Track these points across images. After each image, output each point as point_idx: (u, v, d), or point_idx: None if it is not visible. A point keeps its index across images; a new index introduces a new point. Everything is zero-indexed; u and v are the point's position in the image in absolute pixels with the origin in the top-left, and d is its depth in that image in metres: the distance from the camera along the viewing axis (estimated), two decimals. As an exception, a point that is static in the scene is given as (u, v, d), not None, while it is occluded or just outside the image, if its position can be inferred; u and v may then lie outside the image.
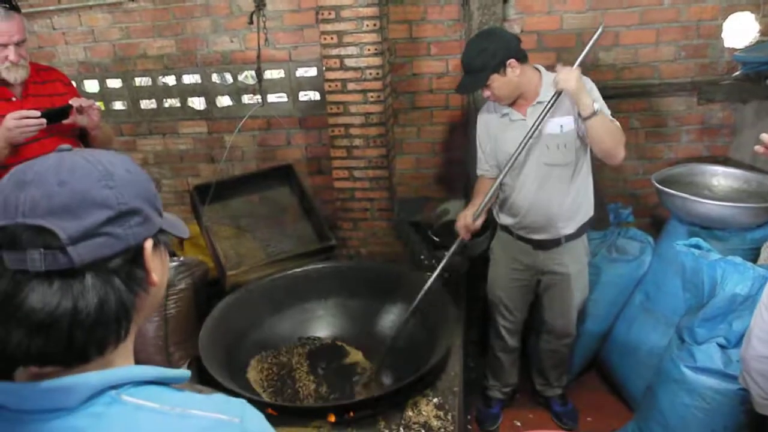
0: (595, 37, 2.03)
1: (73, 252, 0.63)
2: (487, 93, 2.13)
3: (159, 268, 0.75)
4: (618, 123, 2.10)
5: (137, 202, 0.70)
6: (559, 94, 2.02)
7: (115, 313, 0.67)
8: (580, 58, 2.03)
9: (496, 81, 2.08)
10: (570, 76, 1.97)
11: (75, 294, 0.64)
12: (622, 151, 2.08)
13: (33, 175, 0.66)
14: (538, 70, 2.20)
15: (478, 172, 2.39)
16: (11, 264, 0.63)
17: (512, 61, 2.07)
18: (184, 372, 0.75)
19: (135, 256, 0.70)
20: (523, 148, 2.09)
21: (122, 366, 0.71)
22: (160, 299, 0.80)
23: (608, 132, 2.03)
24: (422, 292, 2.10)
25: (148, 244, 0.72)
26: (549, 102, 2.04)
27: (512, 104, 2.20)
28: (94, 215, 0.66)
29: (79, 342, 0.65)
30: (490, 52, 2.05)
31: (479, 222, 2.21)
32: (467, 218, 2.21)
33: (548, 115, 2.05)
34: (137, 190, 0.71)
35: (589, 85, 2.10)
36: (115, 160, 0.72)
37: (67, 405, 0.65)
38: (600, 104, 2.07)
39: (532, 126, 2.07)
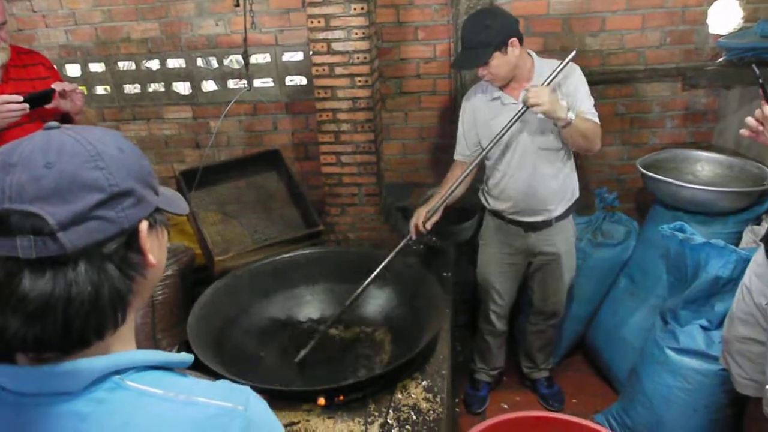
0: (568, 59, 2.02)
1: (64, 238, 0.61)
2: (483, 72, 2.10)
3: (156, 248, 0.72)
4: (596, 119, 2.13)
5: (130, 182, 0.68)
6: (526, 108, 2.00)
7: (110, 299, 0.65)
8: (550, 78, 2.01)
9: (497, 59, 2.05)
10: (542, 99, 1.94)
11: (68, 281, 0.62)
12: (598, 145, 2.16)
13: (18, 157, 0.63)
14: (530, 55, 2.19)
15: (456, 156, 2.38)
16: (1, 250, 0.61)
17: (514, 40, 2.06)
18: (187, 356, 0.74)
19: (129, 239, 0.68)
20: (501, 136, 2.09)
21: (123, 350, 0.70)
22: (159, 278, 0.78)
23: (583, 135, 2.08)
24: (362, 287, 2.12)
25: (144, 225, 0.69)
26: (515, 115, 2.04)
27: (504, 87, 2.19)
28: (84, 199, 0.63)
29: (76, 329, 0.63)
30: (494, 29, 2.02)
31: (432, 221, 2.19)
32: (419, 217, 2.19)
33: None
34: (129, 170, 0.68)
35: (576, 81, 2.12)
36: (105, 137, 0.69)
37: (70, 389, 0.64)
38: (582, 105, 2.10)
39: (507, 125, 2.06)
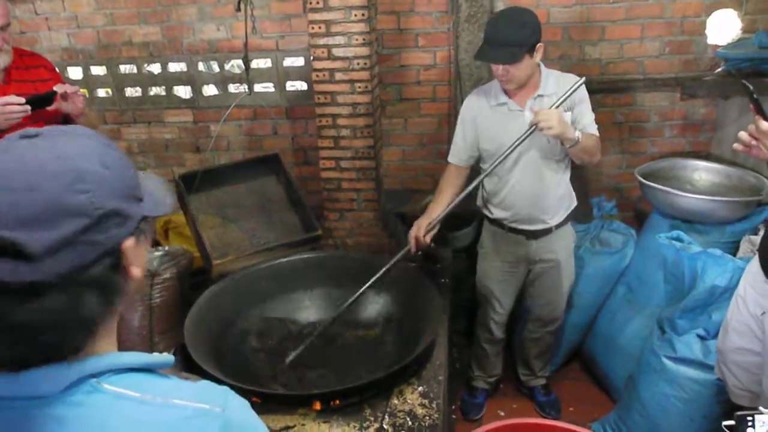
0: (577, 85, 2.00)
1: (45, 265, 0.59)
2: (501, 72, 2.04)
3: (140, 257, 0.71)
4: (596, 131, 2.14)
5: (115, 201, 0.65)
6: (534, 128, 1.97)
7: (85, 321, 0.65)
8: (558, 102, 1.99)
9: (525, 61, 2.00)
10: (552, 122, 1.91)
11: (44, 307, 0.60)
12: (598, 157, 2.18)
13: None
14: (539, 64, 2.16)
15: (451, 159, 2.33)
16: None
17: (542, 45, 2.02)
18: (168, 357, 0.73)
19: (114, 260, 0.66)
20: (506, 155, 2.06)
21: (102, 353, 0.69)
22: (142, 281, 0.78)
23: (586, 152, 2.10)
24: (355, 296, 2.12)
25: (129, 242, 0.68)
26: (524, 134, 2.01)
27: (510, 93, 2.15)
28: (68, 225, 0.61)
29: (49, 348, 0.63)
30: (530, 29, 1.96)
31: (430, 236, 2.17)
32: (420, 229, 2.16)
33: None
34: (113, 189, 0.66)
35: (583, 101, 2.13)
36: (88, 151, 0.66)
37: (47, 393, 0.63)
38: (584, 120, 2.12)
39: (512, 145, 2.03)
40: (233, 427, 0.69)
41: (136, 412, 0.65)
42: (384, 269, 2.12)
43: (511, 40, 1.96)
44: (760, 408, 1.21)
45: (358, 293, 2.12)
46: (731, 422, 1.21)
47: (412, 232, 2.18)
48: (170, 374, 0.74)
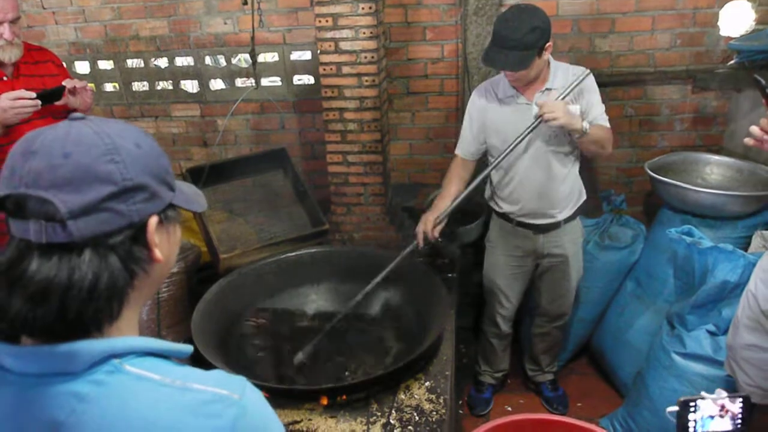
0: (582, 77, 2.00)
1: (73, 226, 0.63)
2: (510, 73, 2.03)
3: (165, 244, 0.74)
4: (607, 123, 2.12)
5: (144, 177, 0.69)
6: (540, 120, 1.96)
7: (107, 289, 0.66)
8: (564, 93, 1.98)
9: (534, 63, 1.98)
10: (557, 113, 1.91)
11: (71, 268, 0.64)
12: (609, 149, 2.16)
13: (39, 145, 0.66)
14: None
15: (458, 151, 2.32)
16: (16, 232, 0.65)
17: (550, 44, 2.00)
18: (186, 347, 0.75)
19: (137, 233, 0.69)
20: (512, 148, 2.05)
21: (126, 336, 0.71)
22: (166, 274, 0.79)
23: (595, 143, 2.08)
24: (366, 290, 2.11)
25: (153, 220, 0.70)
26: (530, 126, 2.00)
27: (517, 87, 2.14)
28: (96, 190, 0.65)
29: (72, 314, 0.65)
30: (539, 31, 1.94)
31: (438, 230, 2.15)
32: (428, 224, 2.15)
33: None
34: (145, 165, 0.70)
35: (591, 92, 2.11)
36: (126, 132, 0.71)
37: (70, 370, 0.65)
38: (594, 112, 2.09)
39: (519, 137, 2.03)
40: (249, 415, 0.70)
41: (155, 393, 0.67)
42: (391, 265, 2.12)
43: (520, 45, 1.93)
44: (702, 393, 1.23)
45: (365, 290, 2.11)
46: (675, 408, 1.25)
47: (419, 227, 2.17)
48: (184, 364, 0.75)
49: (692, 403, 1.24)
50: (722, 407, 1.25)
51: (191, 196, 0.80)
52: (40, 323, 0.64)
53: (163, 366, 0.70)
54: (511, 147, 2.06)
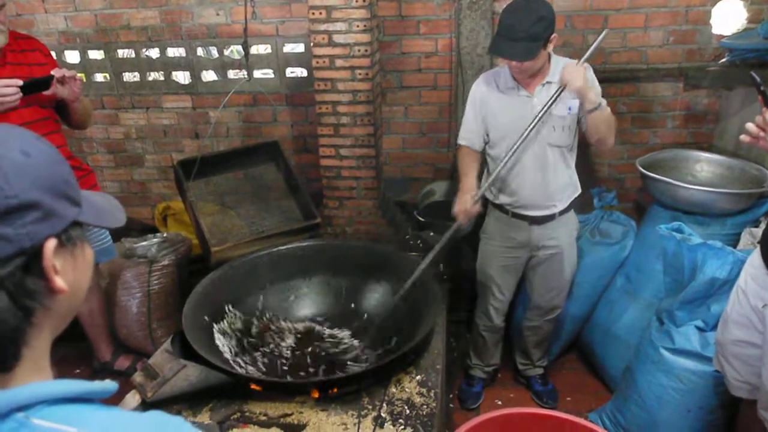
0: (601, 37, 1.99)
1: None
2: (515, 64, 2.03)
3: (70, 270, 0.62)
4: (610, 110, 2.11)
5: (33, 193, 0.57)
6: (563, 88, 1.98)
7: (2, 333, 0.56)
8: (586, 56, 1.99)
9: (541, 54, 2.00)
10: (577, 75, 1.94)
11: None
12: (613, 139, 2.15)
13: None
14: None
15: (461, 141, 2.32)
16: None
17: (555, 35, 2.01)
18: (109, 384, 0.64)
19: (30, 261, 0.57)
20: (530, 132, 2.05)
21: (31, 382, 0.60)
22: (77, 304, 0.66)
23: (606, 123, 2.07)
24: (413, 278, 2.05)
25: (50, 244, 0.59)
26: (553, 95, 2.01)
27: (518, 80, 2.15)
28: None
29: None
30: (546, 22, 1.94)
31: (478, 207, 2.15)
32: (467, 203, 2.13)
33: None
34: (35, 178, 0.58)
35: (591, 75, 2.11)
36: (9, 139, 0.59)
37: None
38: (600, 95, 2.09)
39: (536, 116, 2.03)
40: None
41: None
42: (437, 247, 2.07)
43: (527, 35, 1.93)
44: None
45: (413, 277, 2.04)
46: None
47: (459, 207, 2.14)
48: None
49: None
50: None
51: (104, 209, 0.69)
52: None
53: (83, 413, 0.59)
54: (526, 132, 2.04)
